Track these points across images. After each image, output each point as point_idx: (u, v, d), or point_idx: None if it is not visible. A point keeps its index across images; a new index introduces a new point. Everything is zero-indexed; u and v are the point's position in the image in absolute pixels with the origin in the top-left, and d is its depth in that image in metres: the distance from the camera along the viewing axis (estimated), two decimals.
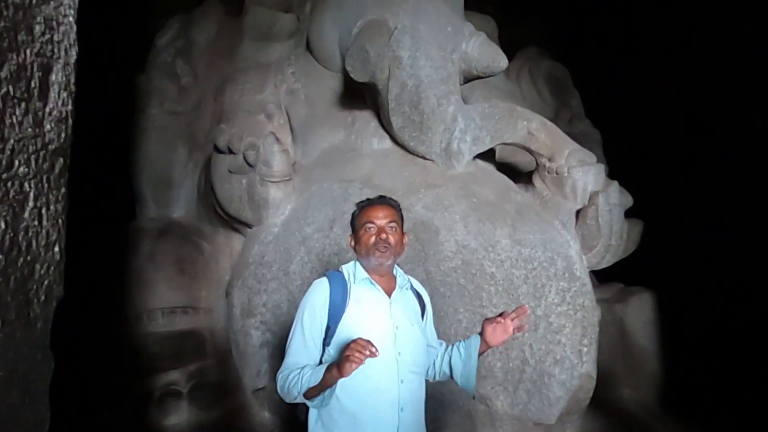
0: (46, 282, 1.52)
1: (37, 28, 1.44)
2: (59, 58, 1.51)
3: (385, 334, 1.84)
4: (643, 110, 5.32)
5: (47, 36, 1.47)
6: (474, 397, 2.26)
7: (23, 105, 1.40)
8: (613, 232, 3.33)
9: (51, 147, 1.50)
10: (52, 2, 1.48)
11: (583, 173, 3.37)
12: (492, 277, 3.12)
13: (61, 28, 1.51)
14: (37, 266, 1.49)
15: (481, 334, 1.96)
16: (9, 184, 1.37)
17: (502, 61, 3.26)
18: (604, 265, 3.45)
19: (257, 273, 3.39)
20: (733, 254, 4.24)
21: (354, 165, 3.55)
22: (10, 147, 1.37)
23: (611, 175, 3.61)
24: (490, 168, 3.70)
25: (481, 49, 3.27)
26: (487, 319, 1.96)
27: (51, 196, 1.51)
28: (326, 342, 1.86)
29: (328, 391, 1.74)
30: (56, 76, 1.50)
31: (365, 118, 3.73)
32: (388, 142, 3.62)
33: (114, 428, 3.20)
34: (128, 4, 4.66)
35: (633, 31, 5.44)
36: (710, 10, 4.43)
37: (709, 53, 4.53)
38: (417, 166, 3.47)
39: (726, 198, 4.33)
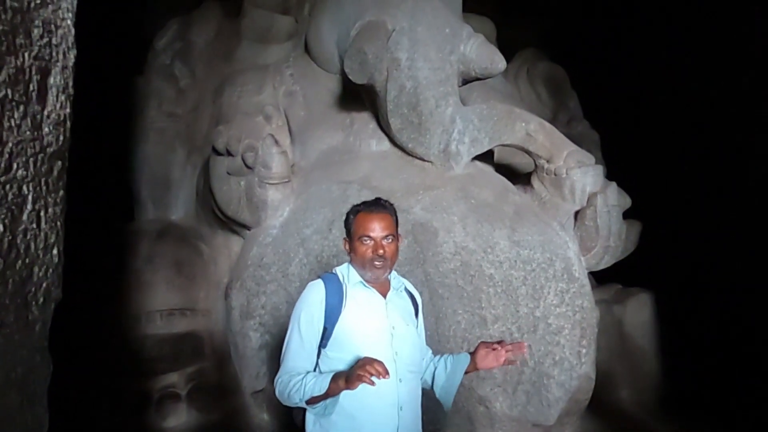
0: (44, 284, 1.51)
1: (36, 32, 1.44)
2: (57, 61, 1.51)
3: (382, 334, 1.85)
4: (642, 111, 5.33)
5: (45, 39, 1.47)
6: (446, 412, 2.25)
7: (21, 108, 1.40)
8: (612, 233, 3.33)
9: (49, 150, 1.50)
10: (50, 5, 1.48)
11: (581, 174, 3.37)
12: (491, 279, 3.12)
13: (59, 32, 1.51)
14: (36, 269, 1.48)
15: (473, 353, 1.98)
16: (7, 187, 1.37)
17: (501, 63, 3.26)
18: (602, 266, 3.45)
19: (256, 275, 3.39)
20: (732, 255, 4.25)
21: (352, 166, 3.56)
22: (9, 150, 1.37)
23: (609, 176, 3.61)
24: (488, 169, 3.70)
25: (479, 50, 3.27)
26: (483, 342, 2.00)
27: (49, 199, 1.51)
28: (323, 344, 1.85)
29: (330, 399, 1.74)
30: (54, 79, 1.50)
31: (363, 119, 3.73)
32: (386, 144, 3.62)
33: (112, 430, 3.20)
34: (126, 6, 4.66)
35: (631, 32, 5.45)
36: (709, 11, 4.44)
37: (709, 54, 4.54)
38: (415, 168, 3.47)
39: (725, 199, 4.34)
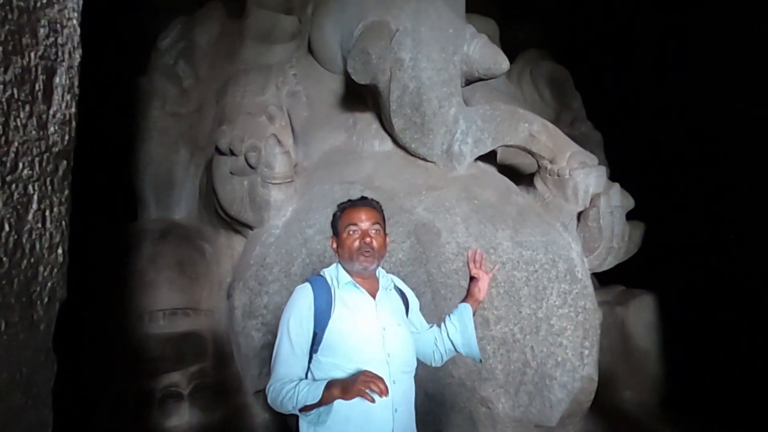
0: (49, 284, 1.52)
1: (42, 31, 1.44)
2: (63, 60, 1.51)
3: (374, 336, 1.83)
4: (645, 112, 5.32)
5: (51, 39, 1.47)
6: (480, 361, 2.26)
7: (27, 108, 1.40)
8: (615, 235, 3.32)
9: (55, 149, 1.50)
10: (56, 5, 1.48)
11: (584, 175, 3.37)
12: (493, 279, 3.10)
13: (65, 31, 1.52)
14: (41, 268, 1.49)
15: (467, 297, 2.11)
16: (13, 186, 1.38)
17: (504, 63, 3.26)
18: (605, 267, 3.45)
19: (258, 274, 3.39)
20: (735, 256, 4.24)
21: (355, 167, 3.56)
22: (15, 149, 1.37)
23: (613, 177, 3.61)
24: (491, 170, 3.70)
25: (482, 51, 3.27)
26: (471, 281, 2.14)
27: (54, 199, 1.51)
28: (314, 349, 1.82)
29: (324, 407, 1.71)
30: (60, 79, 1.50)
31: (366, 120, 3.73)
32: (389, 144, 3.62)
33: (115, 430, 3.20)
34: (130, 7, 4.66)
35: (634, 33, 5.44)
36: (710, 11, 4.43)
37: (710, 54, 4.53)
38: (418, 168, 3.47)
39: (727, 200, 4.33)
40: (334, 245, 1.96)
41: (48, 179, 1.49)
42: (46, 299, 1.51)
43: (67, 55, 1.52)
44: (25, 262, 1.43)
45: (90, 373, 3.27)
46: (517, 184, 3.66)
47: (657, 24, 5.15)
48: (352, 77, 3.24)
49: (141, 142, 4.29)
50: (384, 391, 1.54)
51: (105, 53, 3.89)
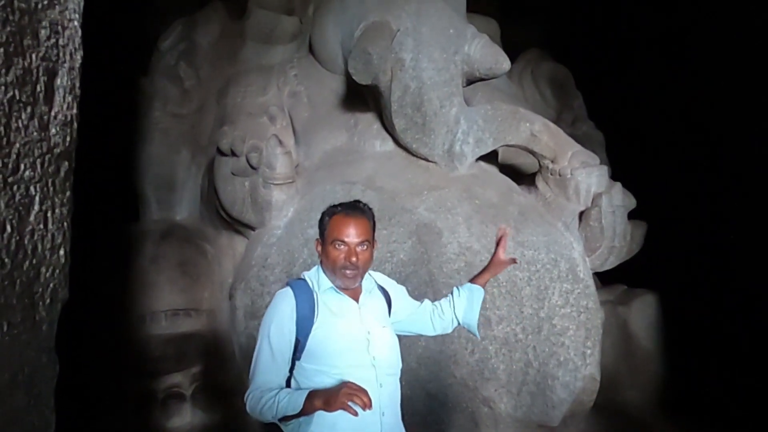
0: (51, 285, 1.52)
1: (43, 33, 1.44)
2: (64, 62, 1.51)
3: (358, 341, 1.78)
4: (646, 111, 5.32)
5: (53, 40, 1.47)
6: (477, 335, 2.27)
7: (29, 109, 1.41)
8: (617, 234, 3.32)
9: (56, 151, 1.50)
10: (57, 6, 1.48)
11: (586, 175, 3.37)
12: (495, 279, 3.10)
13: (66, 33, 1.52)
14: (43, 269, 1.49)
15: (483, 273, 2.19)
16: (15, 187, 1.38)
17: (505, 63, 3.26)
18: (607, 266, 3.45)
19: (260, 275, 3.39)
20: (737, 256, 4.24)
21: (357, 167, 3.56)
22: (16, 151, 1.37)
23: (614, 176, 3.61)
24: (492, 170, 3.70)
25: (483, 51, 3.27)
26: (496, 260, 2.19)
27: (56, 200, 1.51)
28: (297, 356, 1.76)
29: (304, 417, 1.66)
30: (61, 80, 1.50)
31: (368, 120, 3.73)
32: (390, 144, 3.62)
33: (116, 430, 3.20)
34: (131, 8, 4.67)
35: (635, 33, 5.44)
36: (711, 10, 4.43)
37: (712, 54, 4.53)
38: (420, 168, 3.47)
39: (729, 199, 4.33)
40: (319, 248, 1.88)
41: (50, 180, 1.49)
42: (48, 300, 1.51)
43: (68, 57, 1.52)
44: (27, 263, 1.43)
45: (92, 373, 3.27)
46: (518, 183, 3.66)
47: (658, 23, 5.15)
48: (354, 77, 3.24)
49: (142, 143, 4.29)
50: (368, 404, 1.50)
51: (106, 54, 3.89)
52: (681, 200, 4.73)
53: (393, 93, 3.27)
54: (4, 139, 1.33)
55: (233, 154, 3.58)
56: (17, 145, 1.37)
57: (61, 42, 1.50)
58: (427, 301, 2.14)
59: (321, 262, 1.87)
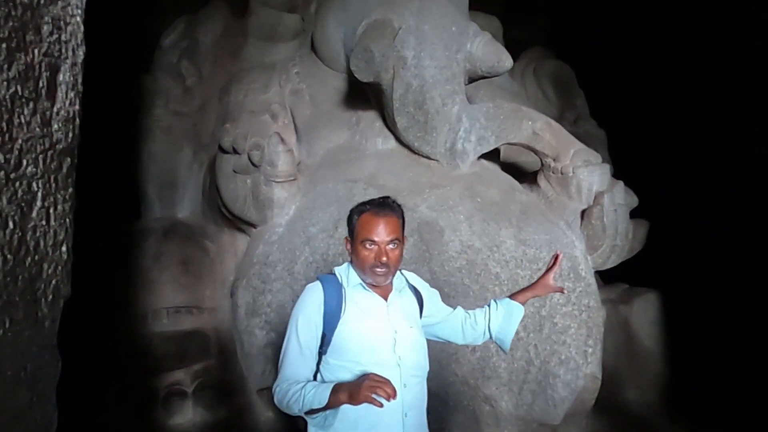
0: (53, 281, 1.52)
1: (45, 28, 1.44)
2: (67, 58, 1.51)
3: (385, 339, 1.78)
4: (648, 110, 5.31)
5: (55, 36, 1.47)
6: (506, 352, 2.26)
7: (31, 105, 1.40)
8: (618, 233, 3.32)
9: (59, 147, 1.50)
10: (59, 2, 1.48)
11: (588, 173, 3.37)
12: (497, 278, 3.11)
13: (69, 28, 1.51)
14: (45, 266, 1.49)
15: (524, 291, 2.13)
16: (17, 183, 1.38)
17: (507, 61, 3.25)
18: (609, 265, 3.44)
19: (262, 273, 3.39)
20: (739, 254, 4.23)
21: (358, 165, 3.56)
22: (18, 147, 1.37)
23: (616, 175, 3.60)
24: (494, 168, 3.70)
25: (485, 49, 3.26)
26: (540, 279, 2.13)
27: (59, 196, 1.51)
28: (323, 350, 1.77)
29: (330, 411, 1.67)
30: (64, 76, 1.50)
31: (370, 118, 3.73)
32: (392, 142, 3.62)
33: (118, 428, 3.21)
34: (133, 5, 4.67)
35: (638, 31, 5.43)
36: (713, 9, 4.42)
37: (714, 52, 4.52)
38: (421, 166, 3.47)
39: (732, 198, 4.32)
40: (348, 246, 1.86)
41: (52, 176, 1.49)
42: (50, 297, 1.51)
43: (70, 53, 1.52)
44: (29, 259, 1.43)
45: (94, 370, 3.28)
46: (520, 182, 3.66)
47: (661, 21, 5.14)
48: (355, 75, 3.24)
49: (144, 141, 4.30)
50: (392, 395, 1.49)
51: (108, 51, 3.89)
52: (683, 199, 4.72)
53: (395, 91, 3.26)
54: (7, 135, 1.33)
55: (235, 151, 3.58)
56: (20, 141, 1.37)
57: (63, 38, 1.50)
58: (459, 308, 2.10)
59: (351, 260, 1.86)
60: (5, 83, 1.32)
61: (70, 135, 1.54)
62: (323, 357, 1.78)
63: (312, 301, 1.79)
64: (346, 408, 1.66)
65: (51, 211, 1.49)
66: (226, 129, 3.66)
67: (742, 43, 4.24)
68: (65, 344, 1.63)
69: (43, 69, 1.44)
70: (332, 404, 1.61)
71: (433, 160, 3.45)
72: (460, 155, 3.41)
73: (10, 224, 1.36)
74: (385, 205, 1.83)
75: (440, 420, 2.95)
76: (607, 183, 3.38)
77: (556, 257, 2.15)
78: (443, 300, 2.11)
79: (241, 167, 3.55)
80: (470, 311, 2.10)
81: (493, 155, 3.66)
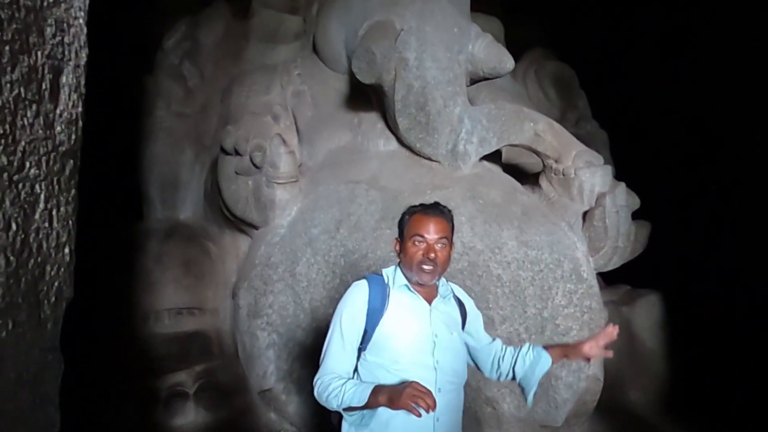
0: (56, 283, 1.52)
1: (48, 31, 1.44)
2: (70, 60, 1.52)
3: (424, 342, 1.79)
4: (650, 111, 5.30)
5: (58, 38, 1.47)
6: (527, 402, 2.10)
7: (34, 107, 1.41)
8: (620, 234, 3.31)
9: (62, 149, 1.51)
10: (62, 4, 1.48)
11: (590, 174, 3.36)
12: (498, 279, 3.11)
13: (72, 30, 1.52)
14: (48, 267, 1.49)
15: (560, 349, 2.02)
16: (20, 185, 1.38)
17: (509, 63, 3.25)
18: (611, 266, 3.44)
19: (263, 274, 3.39)
20: (741, 255, 4.22)
21: (360, 166, 3.56)
22: (22, 149, 1.37)
23: (618, 176, 3.59)
24: (496, 169, 3.70)
25: (487, 50, 3.26)
26: (583, 344, 1.98)
27: (61, 198, 1.52)
28: (362, 346, 1.79)
29: (368, 411, 1.70)
30: (67, 78, 1.51)
31: (371, 119, 3.73)
32: (394, 144, 3.62)
33: (120, 429, 3.21)
34: (135, 7, 4.68)
35: (639, 31, 5.42)
36: (715, 10, 4.41)
37: (716, 53, 4.51)
38: (423, 168, 3.47)
39: (734, 199, 4.31)
40: (397, 247, 1.90)
41: (55, 179, 1.49)
42: (53, 298, 1.52)
43: (73, 55, 1.52)
44: (32, 261, 1.43)
45: (96, 372, 3.28)
46: (522, 183, 3.65)
47: (662, 22, 5.13)
48: (357, 77, 3.24)
49: (146, 143, 4.30)
50: (432, 406, 1.50)
51: (110, 53, 3.90)
52: (685, 200, 4.71)
53: (397, 92, 3.26)
54: (10, 137, 1.33)
55: (237, 153, 3.58)
56: (23, 143, 1.38)
57: (66, 40, 1.50)
58: (498, 341, 2.08)
59: (399, 260, 1.89)
60: (8, 85, 1.32)
61: (73, 137, 1.55)
62: (362, 354, 1.80)
63: (357, 298, 1.82)
64: (380, 409, 1.68)
65: (54, 213, 1.49)
66: (227, 130, 3.66)
67: (743, 43, 4.24)
68: (68, 346, 1.64)
69: (46, 71, 1.44)
70: (371, 405, 1.63)
71: (435, 161, 3.45)
72: (461, 157, 3.41)
73: (13, 226, 1.36)
74: (436, 207, 1.88)
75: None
76: (609, 184, 3.37)
77: (609, 334, 1.99)
78: None
79: (243, 169, 3.56)
80: (505, 346, 2.06)
81: (494, 157, 3.66)
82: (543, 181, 3.55)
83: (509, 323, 3.08)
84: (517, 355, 2.00)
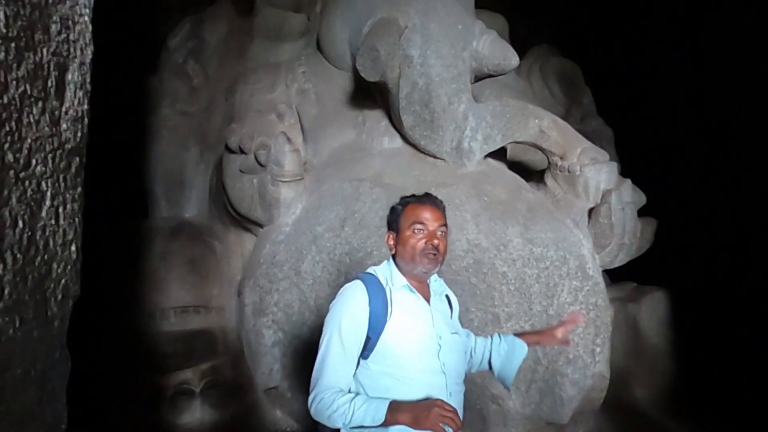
0: (63, 281, 1.52)
1: (54, 28, 1.44)
2: (75, 57, 1.52)
3: (430, 345, 1.69)
4: (656, 107, 5.28)
5: (63, 35, 1.47)
6: (509, 390, 2.13)
7: (40, 104, 1.41)
8: (626, 231, 3.30)
9: (67, 146, 1.51)
10: (68, 2, 1.48)
11: (595, 171, 3.35)
12: (504, 276, 3.10)
13: (77, 28, 1.52)
14: (54, 265, 1.49)
15: (532, 335, 2.01)
16: (26, 183, 1.38)
17: (513, 59, 3.24)
18: (617, 264, 3.42)
19: (269, 272, 3.40)
20: (747, 252, 4.20)
21: (364, 164, 3.55)
22: (28, 146, 1.37)
23: (624, 173, 3.58)
24: (501, 167, 3.69)
25: (491, 47, 3.25)
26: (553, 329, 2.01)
27: (68, 195, 1.52)
28: (364, 354, 1.65)
29: (381, 429, 1.56)
30: (72, 76, 1.51)
31: (376, 117, 3.72)
32: (398, 141, 3.61)
33: (126, 427, 3.22)
34: (140, 5, 4.69)
35: (644, 28, 5.40)
36: (721, 6, 4.39)
37: (722, 49, 4.49)
38: (428, 165, 3.46)
39: (740, 196, 4.29)
40: (392, 241, 1.77)
41: (61, 176, 1.49)
42: (59, 296, 1.52)
43: (79, 52, 1.52)
44: (38, 258, 1.43)
45: (103, 370, 3.29)
46: (527, 180, 3.64)
47: (667, 18, 5.10)
48: (361, 74, 3.23)
49: (151, 141, 4.32)
50: (459, 426, 1.44)
51: (115, 52, 3.91)
52: (691, 197, 4.69)
53: (401, 90, 3.25)
54: (16, 134, 1.33)
55: (242, 151, 3.58)
56: (29, 140, 1.38)
57: (71, 37, 1.50)
58: (471, 334, 2.04)
59: (395, 255, 1.77)
60: (14, 82, 1.32)
61: (79, 134, 1.55)
62: (362, 362, 1.67)
63: (357, 302, 1.66)
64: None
65: (60, 210, 1.50)
66: (232, 129, 3.66)
67: (751, 39, 4.21)
68: (74, 343, 1.64)
69: (51, 68, 1.44)
70: (389, 423, 1.52)
71: (440, 158, 3.45)
72: (466, 154, 3.40)
73: (20, 223, 1.36)
74: (429, 197, 1.80)
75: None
76: (615, 181, 3.36)
77: (576, 318, 2.05)
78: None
79: (248, 167, 3.56)
80: (475, 337, 2.03)
81: (499, 154, 3.65)
82: (548, 178, 3.54)
83: (515, 320, 3.06)
84: (491, 347, 1.98)
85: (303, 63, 4.19)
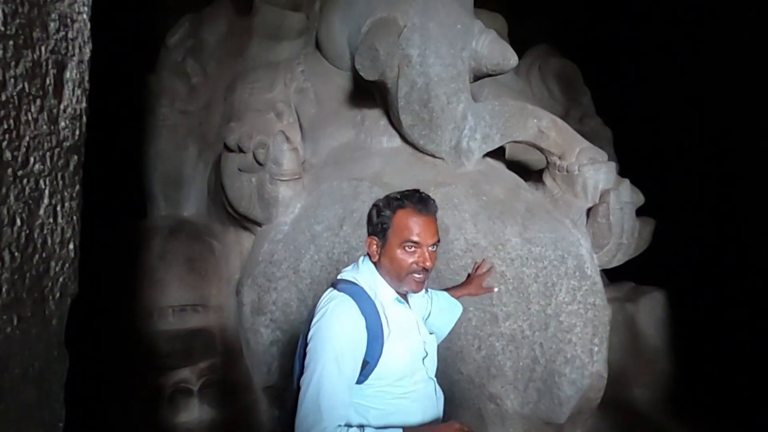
0: (61, 279, 1.52)
1: (52, 25, 1.44)
2: (74, 55, 1.51)
3: (419, 353, 1.63)
4: (655, 108, 5.28)
5: (62, 33, 1.47)
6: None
7: (38, 102, 1.40)
8: (625, 231, 3.30)
9: (66, 144, 1.50)
10: None
11: (594, 171, 3.35)
12: (502, 276, 3.10)
13: (76, 25, 1.51)
14: (52, 263, 1.49)
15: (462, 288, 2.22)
16: (24, 181, 1.38)
17: (513, 59, 3.24)
18: (615, 263, 3.42)
19: (267, 271, 3.40)
20: (746, 252, 4.21)
21: (363, 163, 3.55)
22: (26, 144, 1.37)
23: (622, 173, 3.57)
24: (500, 166, 3.69)
25: (491, 46, 3.25)
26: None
27: (66, 194, 1.51)
28: (359, 380, 1.54)
29: None
30: (71, 74, 1.50)
31: (375, 116, 3.72)
32: (397, 141, 3.61)
33: (124, 426, 3.22)
34: (138, 4, 4.68)
35: (644, 28, 5.40)
36: (721, 6, 4.39)
37: (721, 49, 4.49)
38: (426, 165, 3.46)
39: (739, 196, 4.29)
40: (375, 247, 1.60)
41: (59, 174, 1.49)
42: (57, 294, 1.52)
43: (77, 50, 1.52)
44: (36, 257, 1.43)
45: (101, 368, 3.29)
46: (525, 180, 3.64)
47: (667, 18, 5.11)
48: (360, 74, 3.23)
49: (150, 140, 4.31)
50: None
51: (113, 51, 3.90)
52: (689, 197, 4.70)
53: (400, 89, 3.26)
54: (14, 132, 1.33)
55: (240, 150, 3.58)
56: (27, 138, 1.37)
57: (70, 35, 1.50)
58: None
59: (380, 267, 1.61)
60: (12, 80, 1.32)
61: (77, 133, 1.54)
62: (359, 388, 1.56)
63: (354, 325, 1.52)
64: (390, 420, 1.52)
65: (58, 208, 1.49)
66: (231, 127, 3.66)
67: (750, 40, 4.22)
68: (72, 342, 1.64)
69: (50, 66, 1.44)
70: None
71: (438, 158, 3.45)
72: (465, 153, 3.40)
73: (18, 222, 1.36)
74: (425, 202, 1.62)
75: (445, 418, 2.94)
76: (613, 181, 3.36)
77: (488, 266, 2.22)
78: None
79: (247, 166, 3.56)
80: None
81: (498, 153, 3.65)
82: (547, 178, 3.54)
83: (513, 320, 3.07)
84: (432, 304, 1.97)
85: (302, 62, 4.18)
